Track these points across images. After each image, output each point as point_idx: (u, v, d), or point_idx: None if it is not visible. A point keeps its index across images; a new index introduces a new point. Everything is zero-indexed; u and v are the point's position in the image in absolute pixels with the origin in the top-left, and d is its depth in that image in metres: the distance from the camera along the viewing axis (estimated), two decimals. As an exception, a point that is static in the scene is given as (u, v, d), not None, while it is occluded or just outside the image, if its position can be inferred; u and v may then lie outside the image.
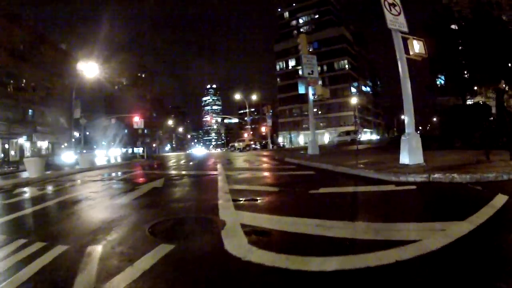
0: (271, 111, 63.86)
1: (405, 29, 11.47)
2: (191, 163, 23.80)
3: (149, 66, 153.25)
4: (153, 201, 7.12)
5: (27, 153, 45.08)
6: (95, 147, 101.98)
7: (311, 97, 21.36)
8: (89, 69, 37.77)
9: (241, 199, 6.76)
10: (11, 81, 45.28)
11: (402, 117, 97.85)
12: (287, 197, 7.12)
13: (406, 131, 10.94)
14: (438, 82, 38.44)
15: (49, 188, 11.96)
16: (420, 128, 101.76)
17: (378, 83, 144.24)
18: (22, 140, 47.23)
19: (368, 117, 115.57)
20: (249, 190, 8.01)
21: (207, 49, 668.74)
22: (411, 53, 11.49)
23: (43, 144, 52.80)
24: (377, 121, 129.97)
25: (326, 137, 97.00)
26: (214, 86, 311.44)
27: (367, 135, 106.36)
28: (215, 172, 13.20)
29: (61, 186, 12.16)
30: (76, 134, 52.24)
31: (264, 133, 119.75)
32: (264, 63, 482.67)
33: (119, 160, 39.29)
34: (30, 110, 49.48)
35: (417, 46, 11.60)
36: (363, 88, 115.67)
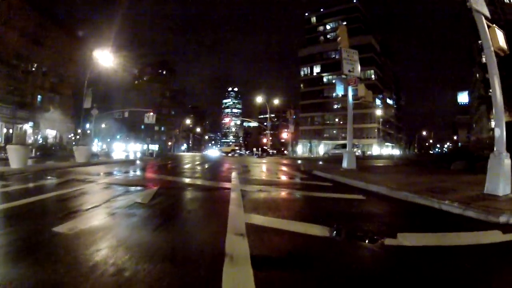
0: (293, 116, 60.71)
1: (487, 14, 8.52)
2: (201, 167, 20.70)
3: (170, 64, 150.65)
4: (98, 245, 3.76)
5: (29, 140, 42.63)
6: (108, 140, 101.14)
7: (350, 99, 17.90)
8: (104, 58, 35.59)
9: (266, 253, 3.56)
10: (21, 64, 43.12)
11: (424, 133, 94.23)
12: (352, 256, 3.64)
13: (496, 148, 7.67)
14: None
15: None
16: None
17: (402, 96, 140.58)
18: (27, 126, 45.16)
19: (390, 131, 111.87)
20: (278, 229, 4.57)
21: (230, 51, 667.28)
22: (494, 46, 8.37)
23: (51, 132, 50.57)
24: (398, 136, 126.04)
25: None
26: (236, 89, 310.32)
27: (388, 149, 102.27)
28: (227, 185, 9.96)
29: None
30: (88, 125, 50.35)
31: (283, 140, 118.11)
32: (287, 69, 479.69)
33: (128, 156, 36.99)
34: (39, 96, 47.46)
35: (500, 38, 8.51)
36: (388, 100, 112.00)
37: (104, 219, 5.13)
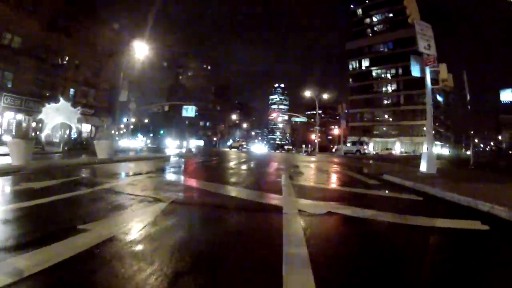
0: (346, 111, 58.00)
1: None
2: (243, 166, 18.09)
3: (214, 59, 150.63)
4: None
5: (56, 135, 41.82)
6: (151, 135, 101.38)
7: (429, 83, 14.74)
8: (141, 49, 34.87)
9: None
10: (52, 57, 43.15)
11: (472, 132, 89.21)
12: None
13: None
14: None
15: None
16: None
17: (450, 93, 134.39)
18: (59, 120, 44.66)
19: (440, 129, 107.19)
20: None
21: (276, 46, 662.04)
22: None
23: (85, 127, 49.75)
24: (447, 135, 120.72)
25: (397, 147, 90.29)
26: (282, 85, 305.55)
27: (437, 149, 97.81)
28: (276, 201, 7.04)
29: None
30: (129, 120, 49.67)
31: (330, 137, 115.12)
32: (335, 64, 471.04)
33: (165, 152, 35.51)
34: (71, 90, 46.95)
35: None
36: (438, 97, 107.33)
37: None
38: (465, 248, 4.25)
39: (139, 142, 70.27)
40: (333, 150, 66.35)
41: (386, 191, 9.66)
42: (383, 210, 6.32)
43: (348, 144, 60.20)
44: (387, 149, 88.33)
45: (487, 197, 7.20)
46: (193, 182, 10.44)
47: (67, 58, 46.32)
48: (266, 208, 6.41)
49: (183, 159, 23.48)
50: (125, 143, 43.02)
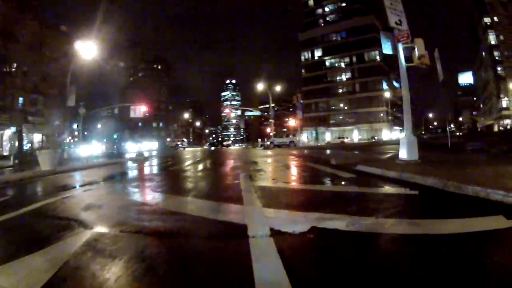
0: (301, 101, 55.28)
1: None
2: (196, 168, 15.46)
3: (166, 58, 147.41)
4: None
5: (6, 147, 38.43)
6: (104, 140, 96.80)
7: (403, 61, 12.41)
8: (88, 50, 31.48)
9: None
10: None
11: (430, 115, 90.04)
12: None
13: None
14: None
15: None
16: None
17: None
18: (9, 132, 41.18)
19: (398, 114, 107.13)
20: None
21: (226, 42, 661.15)
22: None
23: (37, 137, 46.29)
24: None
25: (355, 135, 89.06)
26: (234, 81, 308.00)
27: (396, 134, 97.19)
28: (235, 215, 4.99)
29: None
30: (80, 126, 45.68)
31: (285, 129, 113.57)
32: (287, 56, 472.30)
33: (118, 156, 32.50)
34: (20, 98, 43.14)
35: None
36: (394, 83, 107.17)
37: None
38: None
39: (97, 148, 66.37)
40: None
41: (372, 187, 7.53)
42: (385, 216, 4.48)
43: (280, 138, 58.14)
44: (339, 137, 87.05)
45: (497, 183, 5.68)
46: (134, 194, 8.11)
47: (14, 65, 43.15)
48: (224, 230, 4.24)
49: (134, 164, 20.96)
50: (82, 150, 39.81)
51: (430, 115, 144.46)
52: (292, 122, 72.48)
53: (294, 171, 12.32)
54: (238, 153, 32.36)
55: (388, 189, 7.16)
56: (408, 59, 12.65)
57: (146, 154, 34.63)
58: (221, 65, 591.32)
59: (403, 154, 11.77)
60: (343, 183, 8.55)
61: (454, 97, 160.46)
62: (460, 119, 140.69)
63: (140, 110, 44.19)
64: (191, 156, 28.71)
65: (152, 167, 18.04)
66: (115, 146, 65.28)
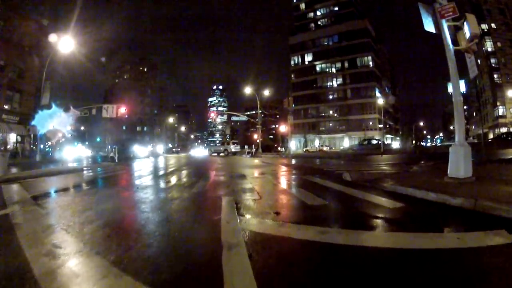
0: (293, 105, 51.48)
1: None
2: (166, 183, 11.05)
3: (152, 61, 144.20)
4: None
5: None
6: (86, 143, 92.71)
7: (450, 43, 8.42)
8: (65, 44, 29.15)
9: None
10: None
11: (421, 123, 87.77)
12: None
13: None
14: None
15: None
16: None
17: (397, 85, 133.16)
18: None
19: (389, 122, 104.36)
20: None
21: (213, 46, 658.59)
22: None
23: (11, 137, 42.91)
24: (396, 127, 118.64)
25: (346, 142, 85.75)
26: (221, 87, 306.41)
27: (387, 142, 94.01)
28: None
29: None
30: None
31: (271, 136, 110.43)
32: (276, 62, 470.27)
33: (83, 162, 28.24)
34: (-7, 94, 39.17)
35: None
36: (386, 89, 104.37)
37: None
38: None
39: (83, 150, 63.02)
40: (278, 149, 59.28)
41: (456, 232, 4.30)
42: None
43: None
44: (320, 146, 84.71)
45: None
46: (63, 232, 4.59)
47: None
48: None
49: (96, 172, 16.94)
50: (66, 152, 36.81)
51: (421, 123, 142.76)
52: (282, 128, 68.46)
53: (300, 193, 7.99)
54: (223, 162, 27.83)
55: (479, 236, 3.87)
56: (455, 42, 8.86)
57: (115, 159, 29.99)
58: (208, 70, 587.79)
59: (456, 169, 7.90)
60: (392, 220, 5.00)
61: (443, 107, 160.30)
62: (451, 127, 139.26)
63: (113, 110, 40.18)
64: (168, 164, 24.86)
65: (112, 178, 13.68)
66: (110, 148, 61.46)
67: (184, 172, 16.06)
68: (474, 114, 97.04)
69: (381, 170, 14.15)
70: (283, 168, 17.53)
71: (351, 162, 23.76)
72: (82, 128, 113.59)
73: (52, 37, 29.70)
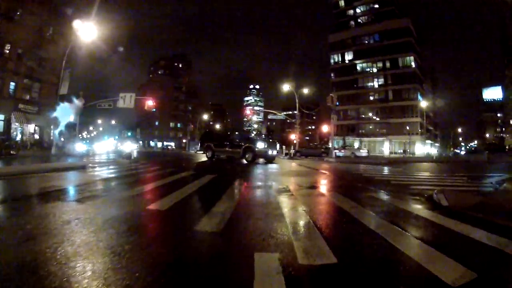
0: (337, 102, 48.13)
1: None
2: (170, 200, 8.61)
3: (187, 58, 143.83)
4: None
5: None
6: (116, 137, 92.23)
7: None
8: (88, 31, 26.63)
9: None
10: None
11: (459, 130, 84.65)
12: None
13: None
14: None
15: None
16: None
17: (438, 89, 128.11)
18: (-3, 120, 37.02)
19: (430, 127, 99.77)
20: None
21: (252, 48, 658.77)
22: None
23: (28, 128, 41.43)
24: (435, 133, 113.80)
25: (386, 147, 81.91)
26: (257, 86, 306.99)
27: (426, 148, 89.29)
28: None
29: None
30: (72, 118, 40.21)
31: (307, 138, 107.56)
32: (315, 62, 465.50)
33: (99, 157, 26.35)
34: (12, 83, 37.72)
35: None
36: (428, 92, 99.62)
37: None
38: None
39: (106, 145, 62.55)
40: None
41: None
42: None
43: None
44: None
45: None
46: None
47: (8, 46, 37.41)
48: None
49: (97, 173, 13.80)
50: (78, 147, 35.54)
51: (459, 129, 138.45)
52: (324, 128, 64.82)
53: (408, 243, 4.55)
54: (256, 171, 19.94)
55: None
56: None
57: (133, 157, 26.74)
58: (245, 72, 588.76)
59: None
60: None
61: (477, 113, 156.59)
62: (487, 135, 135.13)
63: (130, 100, 37.36)
64: (183, 167, 20.66)
65: (106, 183, 10.36)
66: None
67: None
68: (511, 123, 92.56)
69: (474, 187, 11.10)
70: (336, 178, 14.41)
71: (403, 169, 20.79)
72: (113, 122, 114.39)
73: (76, 23, 28.19)
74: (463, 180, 13.92)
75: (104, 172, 13.93)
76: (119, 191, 8.54)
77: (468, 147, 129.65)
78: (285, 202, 7.27)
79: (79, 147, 36.02)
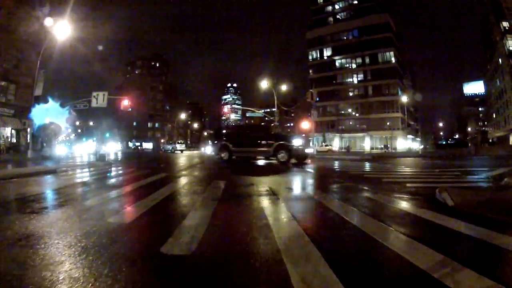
0: (317, 98, 46.57)
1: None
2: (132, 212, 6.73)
3: (163, 57, 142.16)
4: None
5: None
6: (93, 139, 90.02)
7: None
8: (62, 30, 26.65)
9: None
10: None
11: (440, 124, 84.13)
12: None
13: None
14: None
15: None
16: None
17: (417, 84, 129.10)
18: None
19: (410, 122, 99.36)
20: None
21: (229, 47, 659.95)
22: None
23: (5, 132, 39.75)
24: (416, 127, 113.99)
25: (367, 143, 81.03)
26: (235, 85, 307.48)
27: (408, 143, 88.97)
28: None
29: None
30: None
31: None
32: (292, 59, 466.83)
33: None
34: (-14, 86, 36.86)
35: None
36: (407, 87, 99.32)
37: None
38: None
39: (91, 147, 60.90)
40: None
41: None
42: None
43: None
44: (326, 145, 79.06)
45: None
46: None
47: None
48: None
49: (66, 177, 12.07)
50: (62, 150, 34.35)
51: (441, 124, 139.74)
52: (304, 125, 63.35)
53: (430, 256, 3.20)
54: (235, 162, 21.39)
55: None
56: None
57: (107, 159, 25.08)
58: (222, 68, 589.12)
59: None
60: None
61: (458, 107, 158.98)
62: (469, 129, 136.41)
63: (103, 98, 35.64)
64: (158, 168, 19.35)
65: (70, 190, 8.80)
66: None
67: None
68: (494, 116, 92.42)
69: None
70: (322, 175, 13.16)
71: (385, 165, 19.30)
72: (91, 123, 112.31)
73: (48, 21, 26.69)
74: (457, 175, 12.65)
75: (74, 177, 12.30)
76: (83, 200, 6.71)
77: (450, 140, 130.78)
78: (273, 209, 5.59)
79: (59, 150, 34.51)
